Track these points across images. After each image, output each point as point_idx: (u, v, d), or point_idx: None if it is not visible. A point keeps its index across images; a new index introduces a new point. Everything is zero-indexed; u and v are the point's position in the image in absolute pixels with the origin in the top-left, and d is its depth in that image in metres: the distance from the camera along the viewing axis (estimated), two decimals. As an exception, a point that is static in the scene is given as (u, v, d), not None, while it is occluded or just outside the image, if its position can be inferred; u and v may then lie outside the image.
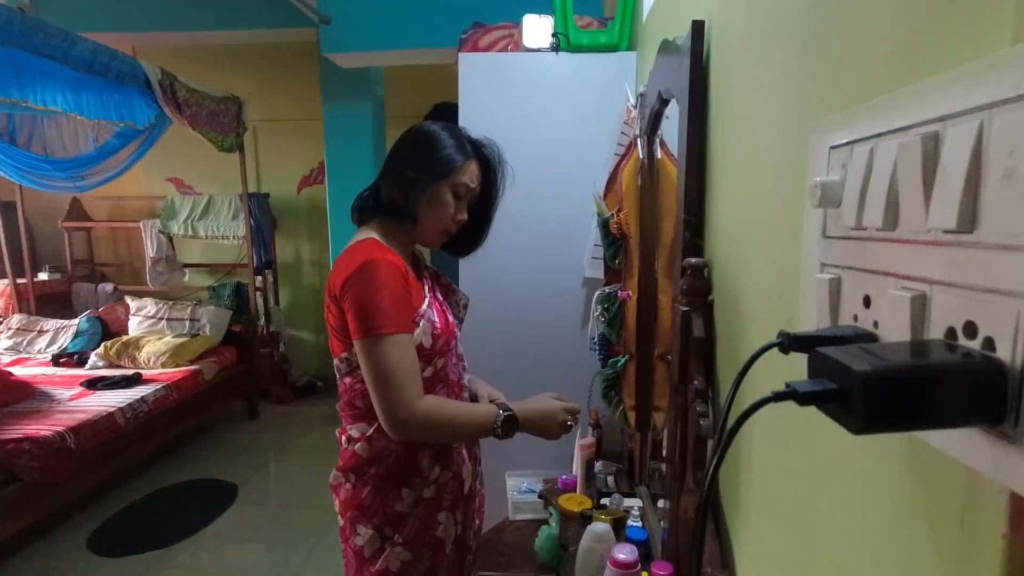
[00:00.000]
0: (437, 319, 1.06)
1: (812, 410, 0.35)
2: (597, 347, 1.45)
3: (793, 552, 0.59)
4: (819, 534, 0.53)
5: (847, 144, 0.35)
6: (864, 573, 0.45)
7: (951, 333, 0.26)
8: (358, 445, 1.04)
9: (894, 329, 0.29)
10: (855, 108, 0.35)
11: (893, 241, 0.30)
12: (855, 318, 0.34)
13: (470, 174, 1.08)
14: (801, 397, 0.25)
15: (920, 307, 0.27)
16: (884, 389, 0.23)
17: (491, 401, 1.20)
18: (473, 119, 1.70)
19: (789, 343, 0.32)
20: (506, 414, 1.03)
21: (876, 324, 0.32)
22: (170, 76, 2.97)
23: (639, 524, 1.21)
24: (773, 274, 0.64)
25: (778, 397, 0.26)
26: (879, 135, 0.31)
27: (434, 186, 1.04)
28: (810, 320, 0.39)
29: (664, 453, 1.47)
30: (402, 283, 0.99)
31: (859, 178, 0.32)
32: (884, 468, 0.42)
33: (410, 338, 0.98)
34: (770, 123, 0.65)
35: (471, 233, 1.17)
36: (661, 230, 1.31)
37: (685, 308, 0.87)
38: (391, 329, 0.95)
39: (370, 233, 1.06)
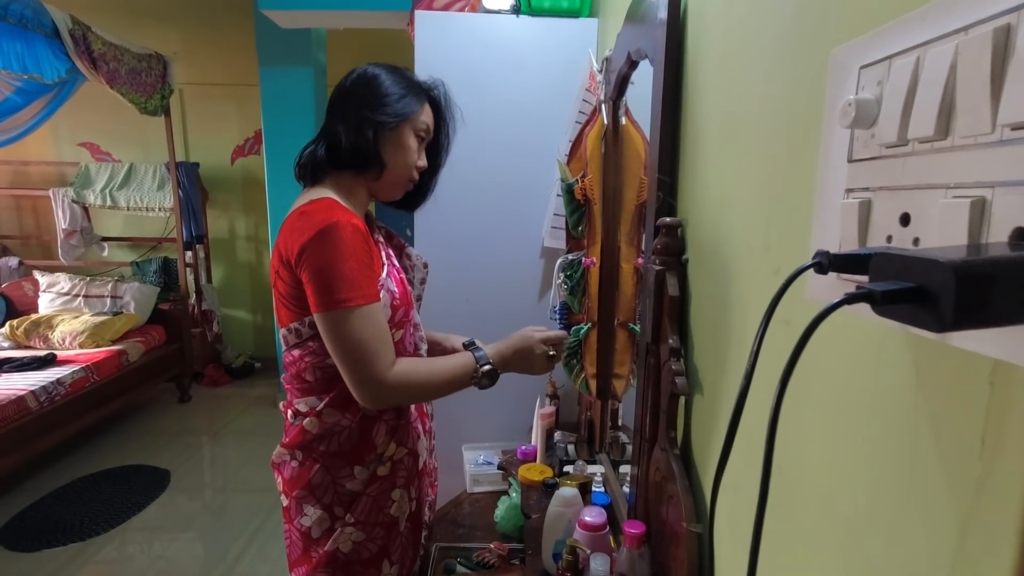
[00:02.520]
0: (396, 288, 1.00)
1: (791, 339, 0.33)
2: (558, 316, 1.44)
3: (773, 494, 0.60)
4: (804, 480, 0.54)
5: (883, 60, 0.33)
6: (858, 509, 0.46)
7: (1018, 234, 0.25)
8: (306, 420, 0.97)
9: (944, 241, 0.28)
10: (891, 23, 0.33)
11: (944, 151, 0.29)
12: (888, 239, 0.33)
13: (428, 115, 1.03)
14: (881, 297, 0.23)
15: (979, 212, 0.27)
16: (974, 282, 0.21)
17: (467, 346, 1.09)
18: (430, 81, 1.63)
19: (829, 262, 0.30)
20: (485, 368, 0.98)
21: (916, 241, 0.31)
22: (83, 26, 2.69)
23: (602, 490, 1.22)
24: (759, 225, 0.64)
25: (853, 299, 0.24)
26: (927, 43, 0.30)
27: (399, 128, 0.98)
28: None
29: (620, 422, 1.50)
30: (365, 248, 0.92)
31: (902, 91, 0.31)
32: (884, 399, 0.42)
33: (379, 306, 0.92)
34: (756, 73, 0.65)
35: (420, 183, 1.09)
36: (624, 198, 1.31)
37: (659, 267, 0.86)
38: (360, 300, 0.88)
39: (324, 191, 0.97)
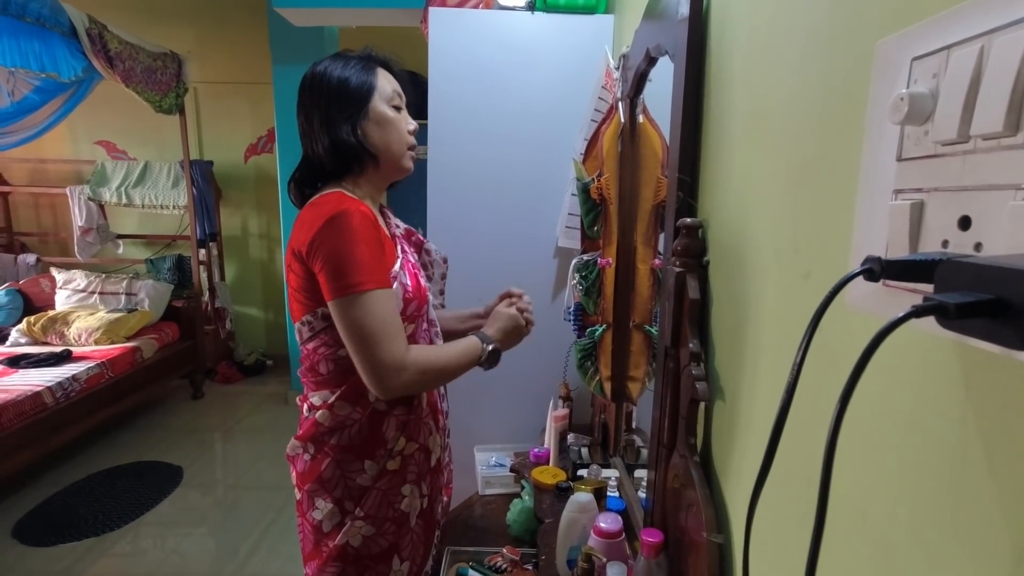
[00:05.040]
0: (409, 281, 0.99)
1: (824, 355, 0.31)
2: (572, 317, 1.42)
3: (802, 507, 0.57)
4: (835, 491, 0.51)
5: (939, 51, 0.31)
6: (895, 526, 0.43)
7: (1105, 241, 0.22)
8: (319, 413, 0.97)
9: (1013, 248, 0.26)
10: (947, 11, 0.31)
11: (1013, 148, 0.27)
12: (944, 244, 0.30)
13: (390, 81, 1.01)
14: (954, 310, 0.21)
15: (1055, 216, 0.24)
16: (1064, 295, 0.19)
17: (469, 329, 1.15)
18: (444, 78, 1.62)
19: (881, 269, 0.28)
20: (490, 348, 1.02)
21: (978, 246, 0.28)
22: (99, 25, 2.70)
23: (617, 494, 1.20)
24: (787, 227, 0.61)
25: (920, 312, 0.22)
26: (993, 31, 0.28)
27: (369, 110, 0.97)
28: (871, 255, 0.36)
29: (635, 425, 1.47)
30: (376, 235, 0.92)
31: (963, 83, 0.29)
32: (926, 411, 0.40)
33: (390, 293, 0.92)
34: (785, 68, 0.62)
35: None
36: (640, 197, 1.28)
37: (679, 269, 0.84)
38: (371, 284, 0.88)
39: (334, 187, 0.98)
